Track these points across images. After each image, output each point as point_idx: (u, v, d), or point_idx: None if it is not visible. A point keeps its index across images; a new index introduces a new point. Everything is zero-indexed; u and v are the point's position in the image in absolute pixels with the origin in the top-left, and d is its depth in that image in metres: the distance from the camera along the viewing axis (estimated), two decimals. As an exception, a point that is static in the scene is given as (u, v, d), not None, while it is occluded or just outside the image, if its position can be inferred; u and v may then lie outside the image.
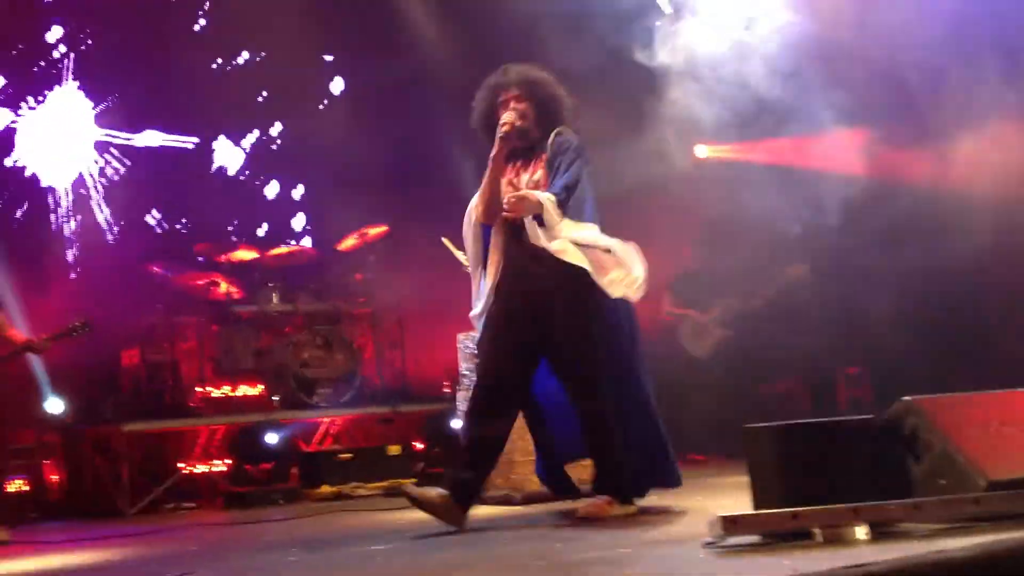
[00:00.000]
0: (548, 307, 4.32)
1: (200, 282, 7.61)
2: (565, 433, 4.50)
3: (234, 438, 7.08)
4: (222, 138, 9.21)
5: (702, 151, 7.80)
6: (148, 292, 7.69)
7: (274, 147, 9.46)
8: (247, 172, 9.31)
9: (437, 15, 8.65)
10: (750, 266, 7.30)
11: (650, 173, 6.48)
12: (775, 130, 6.51)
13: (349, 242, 8.12)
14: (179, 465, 6.94)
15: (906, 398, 3.62)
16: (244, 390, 7.39)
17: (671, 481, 4.51)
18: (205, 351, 7.44)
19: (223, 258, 7.85)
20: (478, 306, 4.51)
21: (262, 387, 7.44)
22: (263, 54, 9.29)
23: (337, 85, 9.71)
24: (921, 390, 3.75)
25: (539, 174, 4.40)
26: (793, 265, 7.37)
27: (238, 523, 5.64)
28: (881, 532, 3.29)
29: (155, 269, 7.74)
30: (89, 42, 8.61)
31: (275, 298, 7.74)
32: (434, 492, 4.28)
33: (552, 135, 4.42)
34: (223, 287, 7.60)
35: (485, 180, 4.44)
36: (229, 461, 7.04)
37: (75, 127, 8.55)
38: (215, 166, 9.18)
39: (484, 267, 4.50)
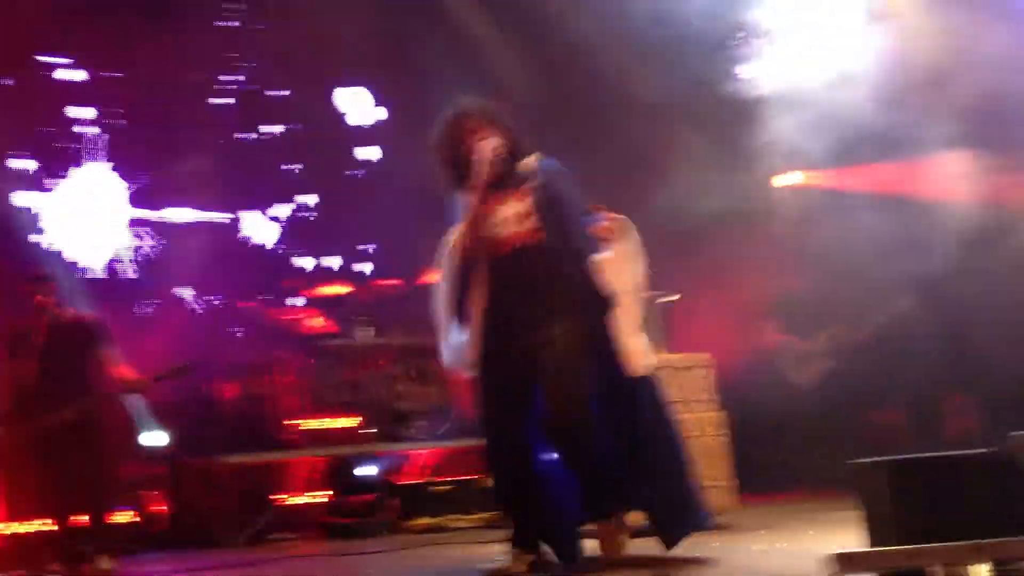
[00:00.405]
0: (545, 356, 4.03)
1: (294, 317, 7.77)
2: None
3: (332, 470, 7.18)
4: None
5: (800, 177, 7.75)
6: (246, 327, 7.86)
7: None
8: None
9: (511, 58, 8.66)
10: (857, 296, 7.19)
11: (748, 199, 6.43)
12: (880, 156, 6.42)
13: (434, 276, 8.18)
14: (279, 496, 7.05)
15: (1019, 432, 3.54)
16: (340, 422, 7.49)
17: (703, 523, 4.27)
18: (302, 384, 7.56)
19: (315, 293, 8.01)
20: (455, 352, 4.22)
21: (358, 419, 7.53)
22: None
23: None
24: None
25: (523, 206, 4.12)
26: (903, 297, 7.25)
27: (337, 555, 5.70)
28: (1004, 570, 3.22)
29: (251, 305, 7.92)
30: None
31: (367, 332, 7.85)
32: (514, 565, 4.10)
33: (534, 162, 4.21)
34: (316, 321, 7.74)
35: (472, 210, 4.13)
36: (328, 493, 7.14)
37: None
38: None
39: (458, 310, 4.18)
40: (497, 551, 4.43)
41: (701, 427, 5.59)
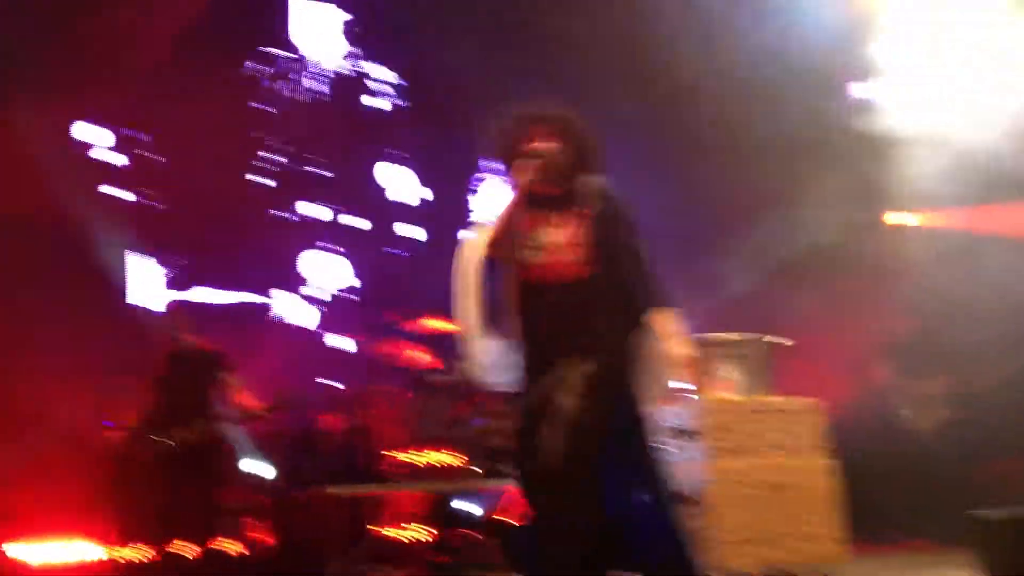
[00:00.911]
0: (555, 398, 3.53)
1: (396, 351, 7.84)
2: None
3: (435, 506, 7.19)
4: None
5: (918, 218, 7.57)
6: (348, 361, 7.98)
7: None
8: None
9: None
10: (978, 340, 6.96)
11: (860, 238, 6.28)
12: (1009, 197, 6.21)
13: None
14: (382, 530, 7.09)
15: None
16: (441, 458, 7.50)
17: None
18: (401, 418, 7.61)
19: (416, 327, 8.07)
20: (490, 371, 3.71)
21: (461, 456, 7.53)
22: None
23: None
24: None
25: (576, 233, 3.68)
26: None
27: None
28: None
29: (356, 339, 8.03)
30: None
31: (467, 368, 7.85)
32: None
33: (596, 186, 3.75)
34: (419, 356, 7.80)
35: (505, 212, 3.67)
36: (432, 529, 7.15)
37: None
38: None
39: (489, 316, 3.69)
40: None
41: (804, 474, 5.43)
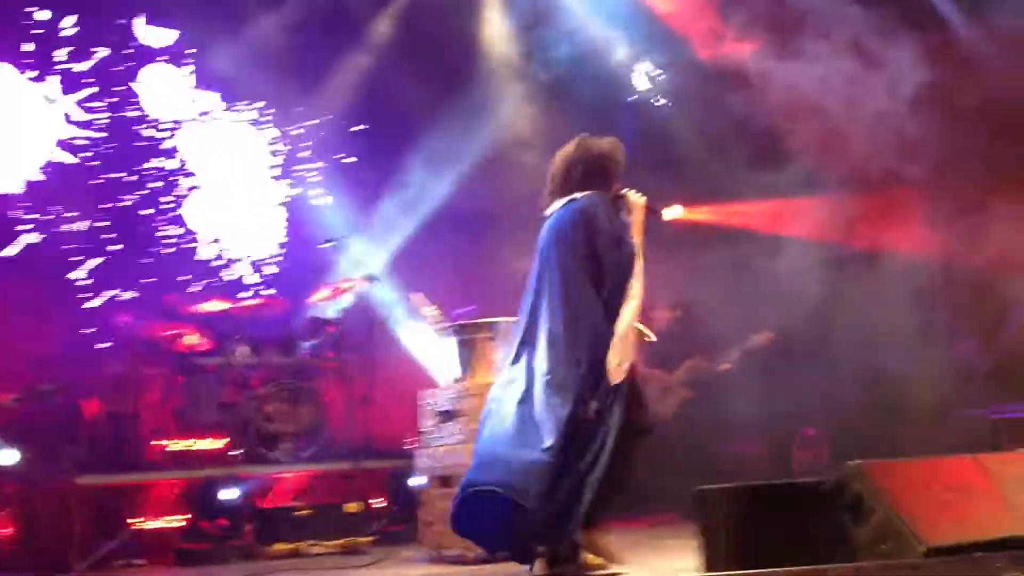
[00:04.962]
0: None
1: (167, 333, 7.52)
2: None
3: (191, 493, 6.94)
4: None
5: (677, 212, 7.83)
6: (114, 342, 7.60)
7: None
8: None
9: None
10: (721, 330, 7.28)
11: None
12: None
13: (322, 294, 8.05)
14: (133, 520, 6.78)
15: (852, 462, 3.57)
16: (206, 444, 7.26)
17: None
18: (169, 403, 7.32)
19: (192, 309, 7.77)
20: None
21: (225, 441, 7.30)
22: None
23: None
24: (877, 454, 3.71)
25: None
26: (760, 331, 7.39)
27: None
28: (826, 597, 3.21)
29: (123, 319, 7.66)
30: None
31: (242, 351, 7.64)
32: None
33: None
34: (191, 338, 7.51)
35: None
36: (185, 516, 6.89)
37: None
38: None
39: None
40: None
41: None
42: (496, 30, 9.00)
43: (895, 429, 6.21)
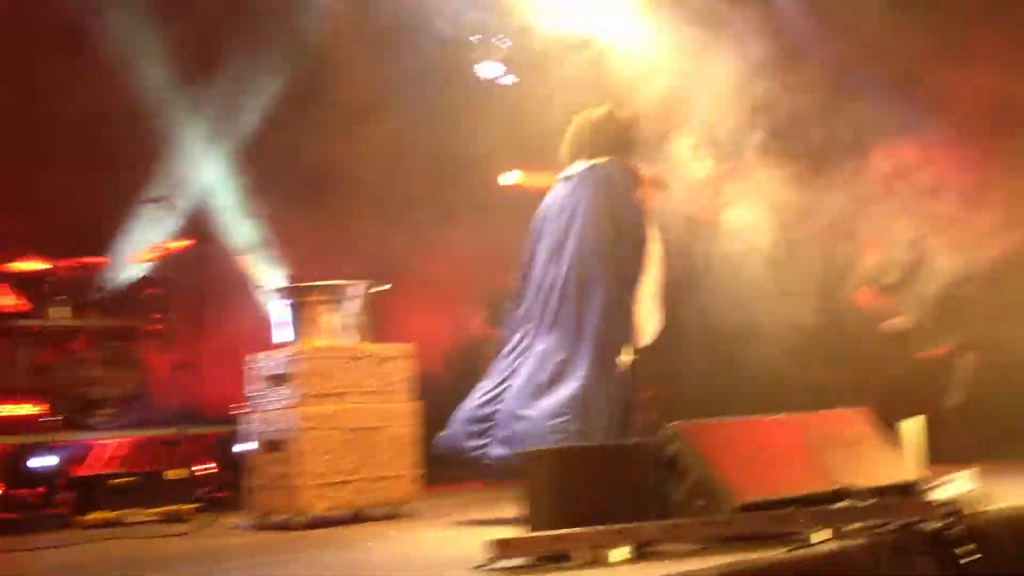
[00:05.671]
0: None
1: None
2: None
3: (3, 460, 6.60)
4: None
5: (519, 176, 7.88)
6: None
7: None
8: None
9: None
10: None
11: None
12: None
13: (147, 255, 7.76)
14: (-61, 490, 6.41)
15: (671, 423, 3.70)
16: (20, 409, 6.90)
17: None
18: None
19: (7, 268, 7.37)
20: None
21: (42, 406, 6.97)
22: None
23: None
24: (713, 415, 3.85)
25: None
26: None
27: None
28: (644, 553, 3.32)
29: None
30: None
31: (62, 312, 7.29)
32: None
33: None
34: (5, 299, 7.12)
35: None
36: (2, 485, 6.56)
37: None
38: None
39: None
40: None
41: (392, 417, 5.52)
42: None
43: (733, 390, 6.43)
